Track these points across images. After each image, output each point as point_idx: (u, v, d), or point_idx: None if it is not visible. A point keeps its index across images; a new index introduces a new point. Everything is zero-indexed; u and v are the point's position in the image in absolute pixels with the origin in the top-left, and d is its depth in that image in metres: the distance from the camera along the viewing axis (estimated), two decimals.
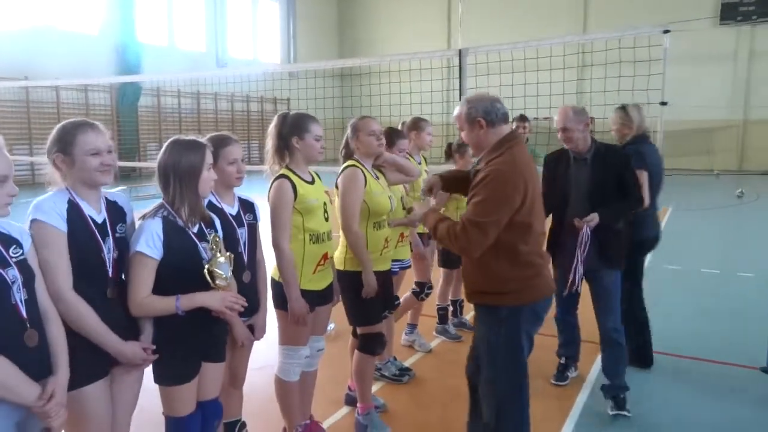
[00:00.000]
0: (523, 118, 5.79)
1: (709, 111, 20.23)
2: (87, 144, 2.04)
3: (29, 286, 1.80)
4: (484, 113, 2.53)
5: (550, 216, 3.68)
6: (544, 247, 2.74)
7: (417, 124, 4.38)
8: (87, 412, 2.04)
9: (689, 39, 19.53)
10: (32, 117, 16.20)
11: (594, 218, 3.42)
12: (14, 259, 1.77)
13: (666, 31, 5.02)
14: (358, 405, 3.37)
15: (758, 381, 3.92)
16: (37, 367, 1.79)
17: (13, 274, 1.75)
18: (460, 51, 5.86)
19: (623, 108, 4.08)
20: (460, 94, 5.82)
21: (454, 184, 2.95)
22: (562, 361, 4.02)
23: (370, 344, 3.27)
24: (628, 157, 3.63)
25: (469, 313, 5.10)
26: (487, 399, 2.63)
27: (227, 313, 2.23)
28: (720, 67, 20.80)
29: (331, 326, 4.64)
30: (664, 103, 5.27)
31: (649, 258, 7.36)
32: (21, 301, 1.76)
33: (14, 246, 1.80)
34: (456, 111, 2.65)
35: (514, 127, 4.97)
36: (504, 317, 2.52)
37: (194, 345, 2.28)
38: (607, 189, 3.51)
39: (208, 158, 2.29)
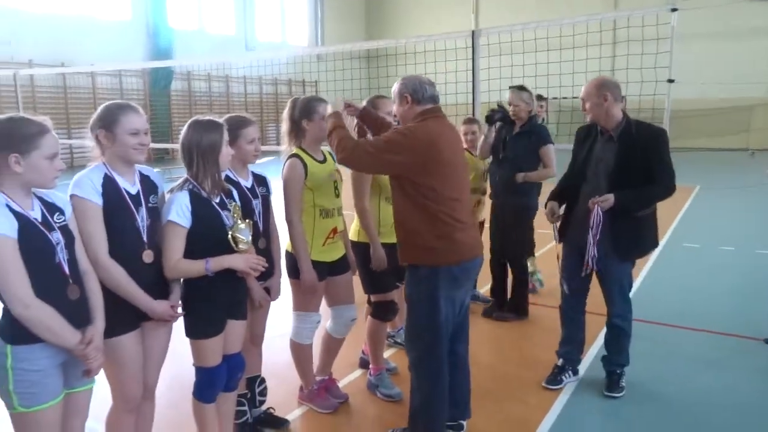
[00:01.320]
0: (539, 98, 5.90)
1: (747, 88, 19.73)
2: (128, 124, 2.30)
3: (70, 248, 2.08)
4: (412, 91, 2.80)
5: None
6: (465, 214, 2.83)
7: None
8: (121, 358, 2.33)
9: (724, 15, 19.07)
10: (69, 102, 16.80)
11: (608, 199, 3.22)
12: (58, 224, 2.05)
13: (674, 9, 5.06)
14: (370, 366, 3.63)
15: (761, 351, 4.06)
16: (78, 317, 2.06)
17: (57, 237, 2.02)
18: (473, 32, 5.99)
19: (525, 89, 4.53)
20: (473, 75, 5.97)
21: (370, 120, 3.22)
22: (559, 362, 3.70)
23: (382, 311, 3.52)
24: (662, 139, 3.32)
25: (484, 287, 5.30)
26: (409, 354, 2.92)
27: (251, 273, 2.49)
28: (758, 42, 20.23)
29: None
30: (671, 81, 5.34)
31: (667, 236, 7.41)
32: (64, 260, 2.03)
33: (58, 213, 2.08)
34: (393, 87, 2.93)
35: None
36: (423, 276, 2.77)
37: (220, 303, 2.54)
38: (633, 171, 3.26)
39: (225, 136, 2.53)
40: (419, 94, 2.79)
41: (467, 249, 2.80)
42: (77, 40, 16.79)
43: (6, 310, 1.94)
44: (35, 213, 2.00)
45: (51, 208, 2.07)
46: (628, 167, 3.28)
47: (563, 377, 3.64)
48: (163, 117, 18.99)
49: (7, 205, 1.92)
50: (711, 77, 18.32)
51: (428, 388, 2.85)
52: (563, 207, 3.64)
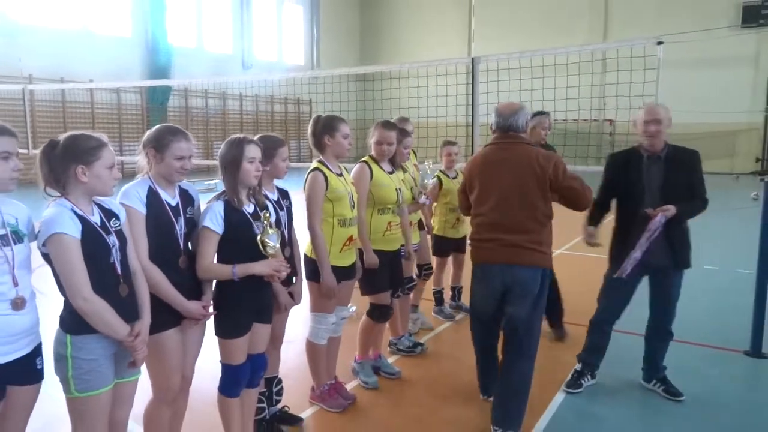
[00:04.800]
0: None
1: (730, 116, 20.34)
2: (178, 150, 2.56)
3: (123, 250, 2.32)
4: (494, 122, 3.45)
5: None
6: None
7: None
8: (163, 351, 2.56)
9: (710, 44, 19.70)
10: (67, 116, 16.99)
11: (670, 209, 3.46)
12: (114, 228, 2.30)
13: (660, 43, 5.43)
14: (356, 354, 3.99)
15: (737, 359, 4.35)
16: (128, 312, 2.29)
17: (112, 239, 2.27)
18: (473, 59, 6.34)
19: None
20: (472, 99, 6.31)
21: None
22: (578, 367, 3.96)
23: (376, 312, 3.87)
24: (699, 158, 3.68)
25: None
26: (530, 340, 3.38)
27: (275, 276, 2.72)
28: (741, 70, 20.90)
29: (353, 309, 5.14)
30: None
31: None
32: (117, 261, 2.27)
33: (114, 218, 2.33)
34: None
35: (532, 125, 5.31)
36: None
37: (247, 306, 2.78)
38: (678, 189, 3.58)
39: (248, 152, 2.73)
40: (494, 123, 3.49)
41: (486, 254, 3.38)
42: (77, 56, 17.06)
43: (67, 302, 2.18)
44: (95, 218, 2.24)
45: (108, 213, 2.31)
46: (675, 185, 3.59)
47: (583, 381, 3.92)
48: None
49: (73, 210, 2.17)
50: (696, 104, 18.87)
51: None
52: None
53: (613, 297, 3.83)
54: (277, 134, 3.29)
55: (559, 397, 3.82)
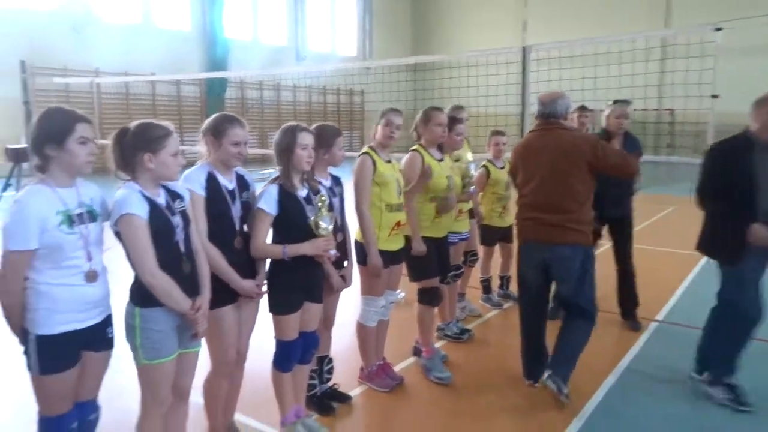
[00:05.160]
0: (584, 109, 6.15)
1: None
2: (234, 136, 2.71)
3: (186, 230, 2.48)
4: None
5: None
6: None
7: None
8: (220, 327, 2.73)
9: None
10: (131, 108, 17.72)
11: None
12: (178, 209, 2.46)
13: (718, 29, 5.25)
14: (423, 351, 3.96)
15: None
16: (190, 288, 2.45)
17: (177, 220, 2.43)
18: (524, 48, 6.30)
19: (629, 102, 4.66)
20: (524, 88, 6.28)
21: None
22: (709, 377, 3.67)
23: (427, 296, 3.90)
24: None
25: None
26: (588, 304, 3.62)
27: (323, 256, 2.86)
28: None
29: (401, 294, 5.25)
30: (715, 96, 5.53)
31: None
32: (181, 240, 2.44)
33: (178, 200, 2.49)
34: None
35: (575, 117, 5.30)
36: None
37: (297, 285, 2.93)
38: None
39: (301, 139, 2.87)
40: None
41: (527, 233, 3.66)
42: (140, 49, 17.74)
43: (136, 278, 2.36)
44: (161, 200, 2.41)
45: (173, 195, 2.48)
46: None
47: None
48: None
49: (141, 192, 2.35)
50: (756, 91, 18.00)
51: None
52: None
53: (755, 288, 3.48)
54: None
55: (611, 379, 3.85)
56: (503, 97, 7.34)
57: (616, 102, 4.76)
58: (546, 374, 3.56)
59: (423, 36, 28.42)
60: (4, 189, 11.58)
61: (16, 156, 11.64)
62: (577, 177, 3.46)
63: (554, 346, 3.65)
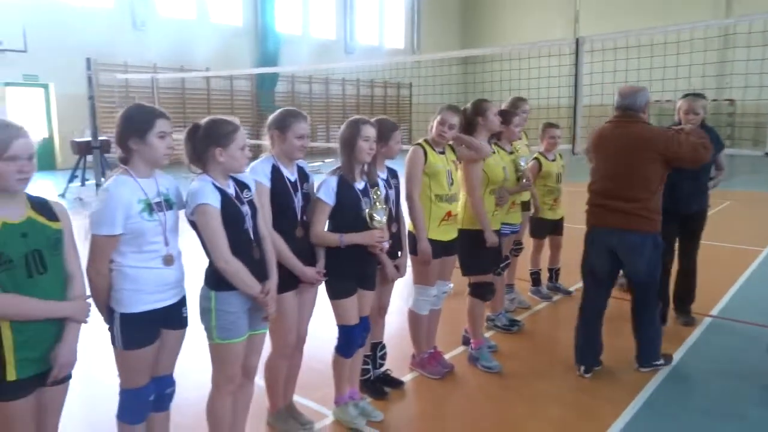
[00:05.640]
0: None
1: None
2: (298, 130, 2.88)
3: (254, 218, 2.65)
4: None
5: None
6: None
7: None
8: (283, 311, 2.89)
9: None
10: (186, 102, 18.33)
11: None
12: (246, 199, 2.63)
13: None
14: (471, 341, 4.06)
15: None
16: (259, 272, 2.61)
17: (246, 209, 2.60)
18: (577, 40, 6.25)
19: (703, 96, 4.54)
20: (576, 80, 6.24)
21: None
22: None
23: (481, 290, 3.98)
24: None
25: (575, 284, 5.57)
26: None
27: (376, 246, 3.00)
28: None
29: (450, 286, 5.33)
30: None
31: None
32: (250, 228, 2.61)
33: (246, 190, 2.66)
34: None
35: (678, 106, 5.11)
36: None
37: (351, 272, 3.09)
38: None
39: (363, 132, 3.02)
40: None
41: (595, 218, 3.80)
42: (195, 45, 18.30)
43: (211, 263, 2.54)
44: (230, 190, 2.58)
45: (241, 186, 2.65)
46: None
47: None
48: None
49: (213, 183, 2.52)
50: None
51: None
52: None
53: None
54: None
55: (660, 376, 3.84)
56: (555, 89, 7.29)
57: (686, 96, 4.54)
58: (640, 370, 3.85)
59: (472, 28, 28.19)
60: (70, 180, 12.19)
61: (82, 149, 12.23)
62: (650, 168, 3.60)
63: (636, 345, 3.88)
